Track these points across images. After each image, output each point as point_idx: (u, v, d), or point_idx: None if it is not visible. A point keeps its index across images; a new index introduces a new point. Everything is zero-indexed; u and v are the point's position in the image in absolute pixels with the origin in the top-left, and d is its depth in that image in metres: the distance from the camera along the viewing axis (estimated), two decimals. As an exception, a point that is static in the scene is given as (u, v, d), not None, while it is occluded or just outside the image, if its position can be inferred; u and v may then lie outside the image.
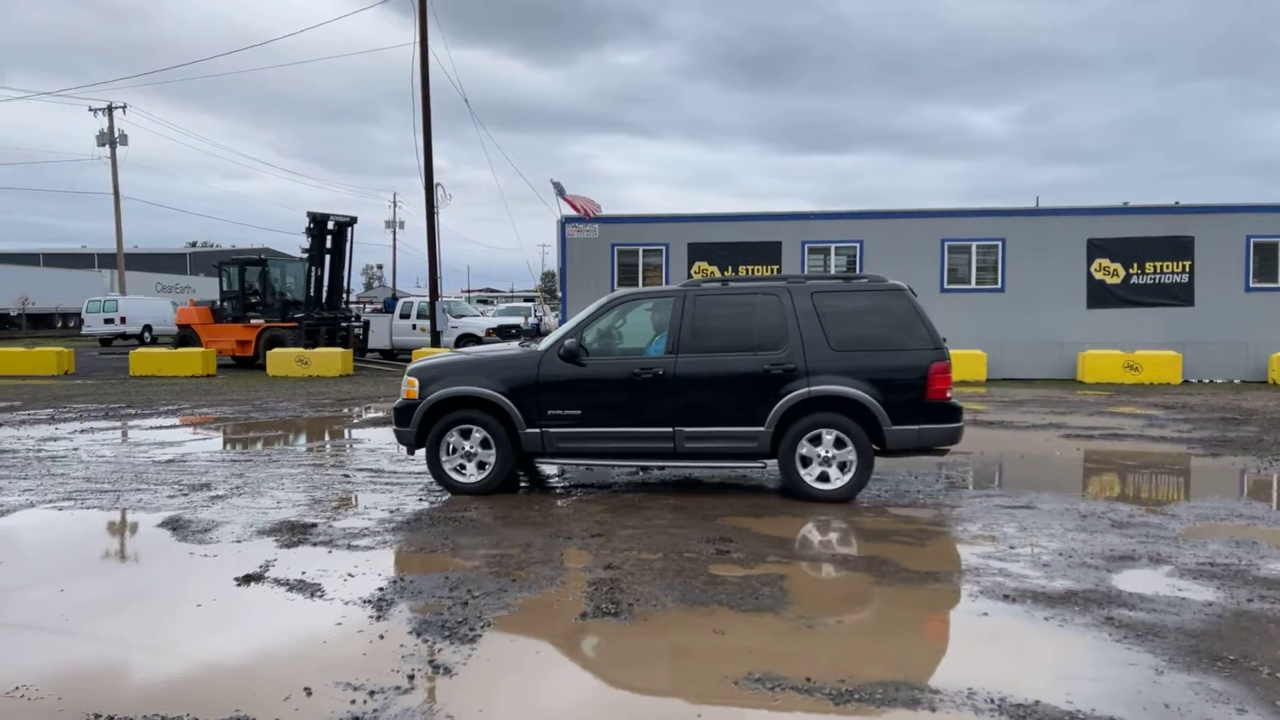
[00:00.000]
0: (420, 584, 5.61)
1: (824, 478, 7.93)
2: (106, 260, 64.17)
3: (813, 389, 7.83)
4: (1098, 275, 20.13)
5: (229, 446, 11.83)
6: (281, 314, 26.43)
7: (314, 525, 7.16)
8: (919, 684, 4.08)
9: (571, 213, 21.38)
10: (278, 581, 5.71)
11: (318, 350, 23.73)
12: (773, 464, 8.07)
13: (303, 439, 12.48)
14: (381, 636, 4.73)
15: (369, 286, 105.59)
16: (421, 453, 8.61)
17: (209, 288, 50.95)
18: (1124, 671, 4.27)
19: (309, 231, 26.04)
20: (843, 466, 7.91)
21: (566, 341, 8.21)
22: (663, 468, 8.79)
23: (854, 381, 7.82)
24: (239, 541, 6.73)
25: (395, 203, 79.58)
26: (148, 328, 26.09)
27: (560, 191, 21.05)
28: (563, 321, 22.78)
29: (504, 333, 26.76)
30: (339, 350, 23.73)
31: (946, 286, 20.55)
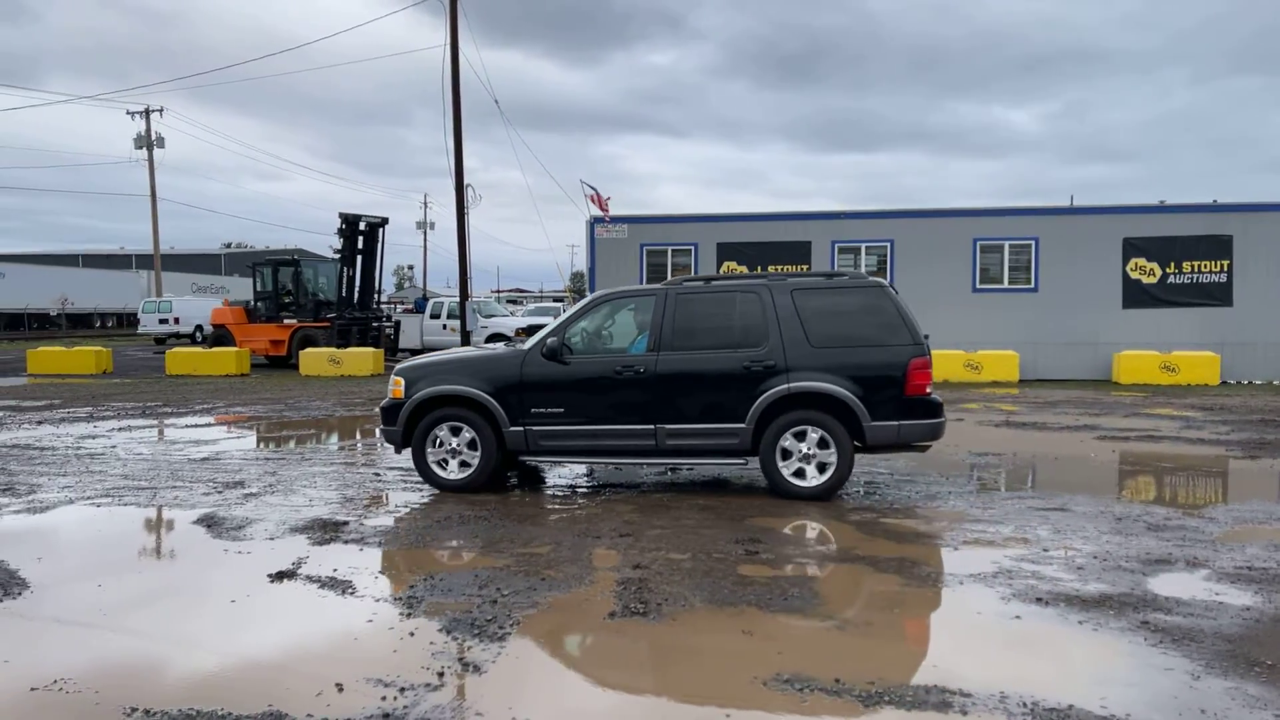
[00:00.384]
0: (450, 582, 5.65)
1: (804, 474, 7.96)
2: (144, 261, 65.18)
3: (792, 386, 7.86)
4: (1133, 275, 19.84)
5: (262, 445, 11.97)
6: (314, 314, 26.70)
7: (345, 523, 7.23)
8: (950, 687, 4.04)
9: (598, 211, 21.41)
10: (310, 578, 5.77)
11: (349, 350, 23.96)
12: (755, 461, 8.10)
13: (334, 438, 12.60)
14: (412, 634, 4.77)
15: (400, 287, 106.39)
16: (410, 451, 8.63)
17: (243, 288, 51.60)
18: (1160, 676, 4.20)
19: (341, 232, 26.29)
20: (823, 464, 7.93)
21: (549, 340, 8.30)
22: (643, 464, 8.84)
23: (833, 378, 7.84)
24: (272, 539, 6.81)
25: (426, 203, 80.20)
26: (199, 327, 26.77)
27: (592, 193, 21.07)
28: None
29: (533, 333, 26.89)
30: (370, 350, 23.94)
31: (979, 286, 20.36)
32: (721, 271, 21.14)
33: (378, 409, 9.28)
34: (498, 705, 3.91)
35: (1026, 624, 4.90)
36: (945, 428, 8.13)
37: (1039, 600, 5.24)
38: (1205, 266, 19.60)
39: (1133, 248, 19.81)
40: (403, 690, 4.06)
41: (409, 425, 8.46)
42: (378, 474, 9.47)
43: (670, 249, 21.52)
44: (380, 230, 27.16)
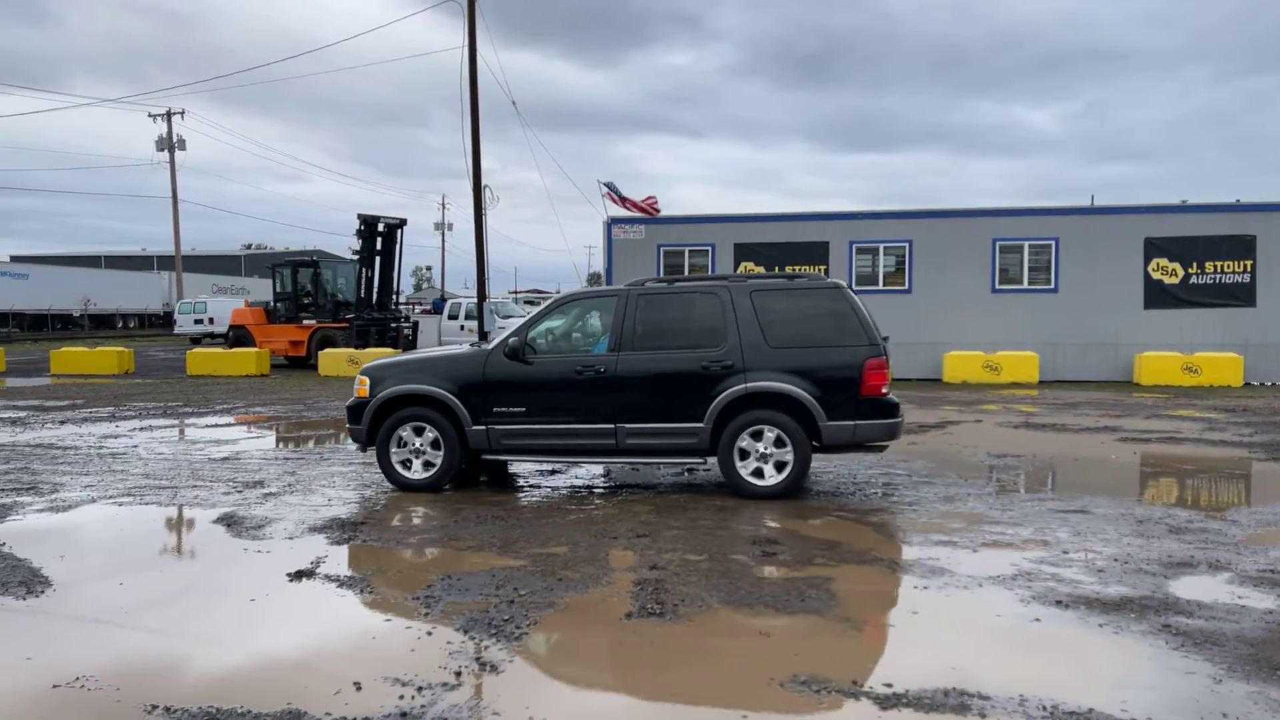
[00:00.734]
0: (467, 582, 5.66)
1: (761, 473, 8.01)
2: (165, 262, 65.77)
3: (749, 386, 7.91)
4: (1155, 275, 19.67)
5: (281, 445, 12.05)
6: (333, 315, 26.85)
7: (363, 523, 7.27)
8: (968, 689, 4.02)
9: (623, 212, 21.39)
10: (328, 577, 5.80)
11: (368, 350, 24.07)
12: (715, 461, 8.15)
13: (353, 438, 12.65)
14: (429, 633, 4.79)
15: (418, 288, 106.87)
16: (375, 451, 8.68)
17: (263, 289, 51.98)
18: (1181, 680, 4.16)
19: (359, 233, 26.43)
20: (780, 463, 7.97)
21: (511, 340, 8.39)
22: (603, 463, 8.90)
23: (790, 378, 7.89)
24: (291, 538, 6.85)
25: (444, 205, 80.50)
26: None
27: (613, 191, 21.01)
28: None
29: None
30: (389, 350, 24.05)
31: (998, 287, 20.24)
32: (738, 273, 21.12)
33: (344, 408, 9.30)
34: (515, 705, 3.92)
35: (1046, 626, 4.86)
36: (902, 428, 8.20)
37: (1059, 603, 5.20)
38: (1228, 267, 19.40)
39: (1154, 248, 19.64)
40: (420, 689, 4.07)
41: (373, 424, 8.54)
42: (396, 474, 9.50)
43: (687, 249, 21.51)
44: (398, 231, 27.28)
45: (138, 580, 5.93)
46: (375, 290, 27.21)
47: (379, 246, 26.94)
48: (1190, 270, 19.53)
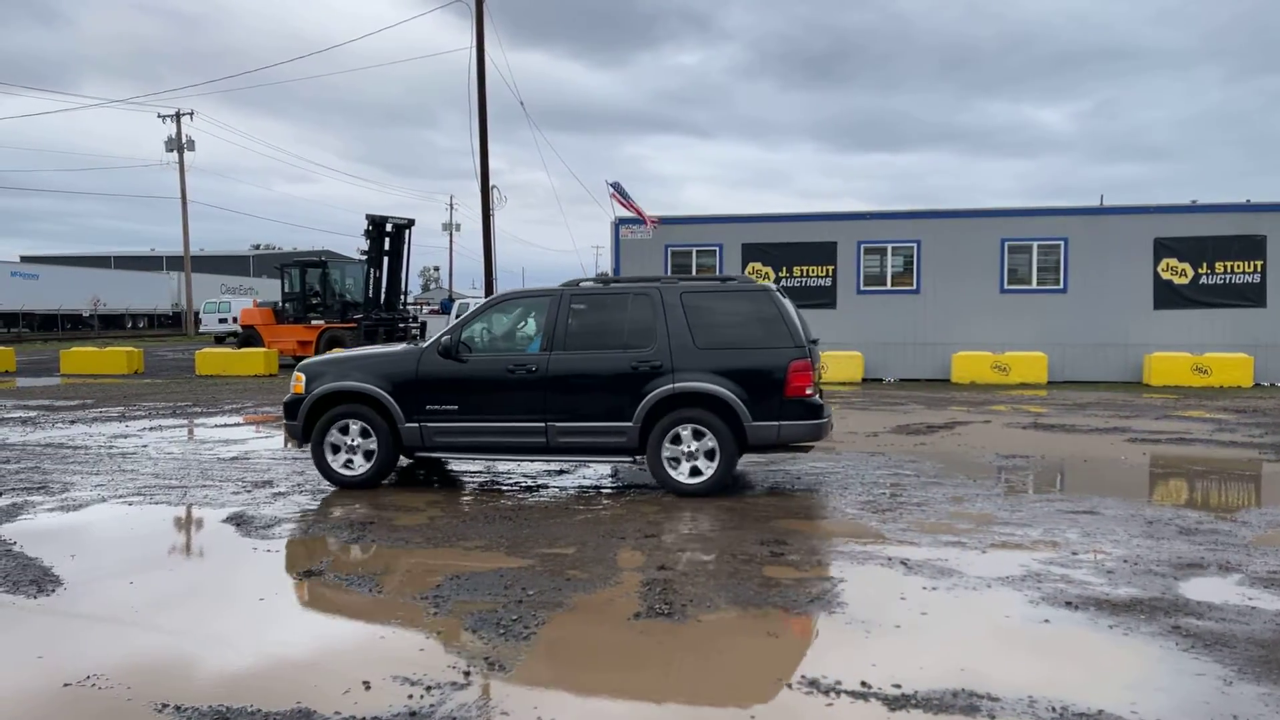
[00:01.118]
0: (475, 581, 5.67)
1: (689, 472, 8.13)
2: (174, 263, 66.00)
3: (677, 386, 8.03)
4: (1165, 275, 19.60)
5: (290, 444, 12.08)
6: (341, 315, 26.92)
7: (371, 522, 7.29)
8: (977, 690, 4.01)
9: (626, 214, 21.37)
10: (337, 576, 5.82)
11: (376, 351, 24.07)
12: (645, 459, 8.26)
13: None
14: (438, 632, 4.80)
15: (426, 288, 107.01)
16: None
17: (271, 289, 52.14)
18: (1191, 682, 4.15)
19: (368, 234, 26.49)
20: (706, 463, 8.07)
21: (443, 339, 8.49)
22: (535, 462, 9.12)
23: (716, 378, 8.00)
24: (300, 537, 6.87)
25: (452, 205, 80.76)
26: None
27: (619, 193, 20.94)
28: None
29: None
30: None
31: (1007, 287, 20.19)
32: (746, 272, 21.11)
33: (281, 404, 9.40)
34: (523, 704, 3.93)
35: (1055, 628, 4.85)
36: (826, 429, 8.31)
37: (1068, 604, 5.19)
38: (1238, 267, 19.32)
39: (1164, 248, 19.57)
40: (429, 689, 4.08)
41: (309, 421, 8.60)
42: (402, 475, 9.52)
43: (695, 250, 21.51)
44: (406, 232, 27.33)
45: (148, 579, 5.95)
46: (383, 290, 27.26)
47: (387, 247, 26.99)
48: (1200, 270, 19.45)
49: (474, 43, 26.18)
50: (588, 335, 8.37)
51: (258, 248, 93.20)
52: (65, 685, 4.16)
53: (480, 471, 9.56)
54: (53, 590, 5.59)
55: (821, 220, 21.26)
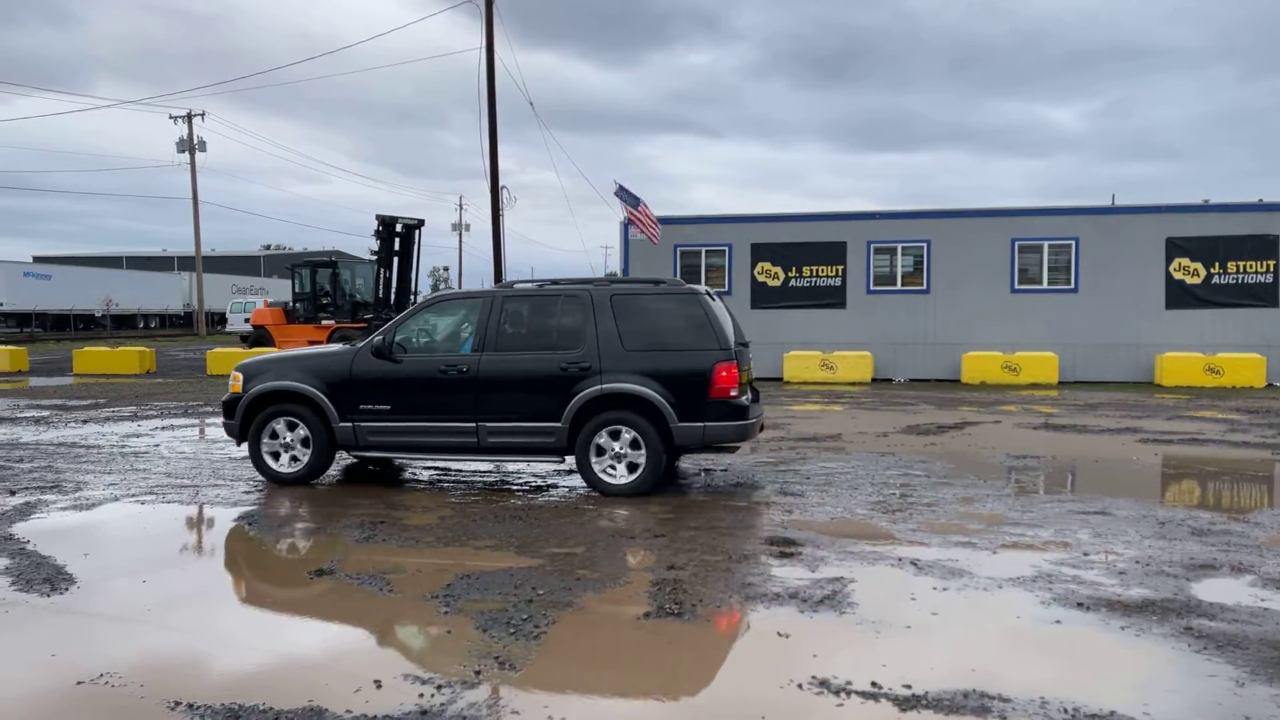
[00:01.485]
0: (485, 581, 5.68)
1: (616, 472, 8.20)
2: (185, 263, 66.31)
3: (604, 387, 8.12)
4: (1177, 275, 19.51)
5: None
6: (351, 315, 26.99)
7: (383, 521, 7.31)
8: (989, 691, 4.00)
9: (637, 227, 21.29)
10: (349, 575, 5.84)
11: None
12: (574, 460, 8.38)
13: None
14: (449, 631, 4.81)
15: (435, 288, 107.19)
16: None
17: (282, 289, 52.34)
18: (1203, 683, 4.13)
19: (378, 234, 26.55)
20: (634, 463, 8.15)
21: (376, 339, 8.59)
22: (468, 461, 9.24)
23: (643, 380, 8.09)
24: (311, 536, 6.89)
25: (461, 205, 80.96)
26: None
27: (625, 198, 20.87)
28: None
29: None
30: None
31: (1017, 287, 20.12)
32: (755, 273, 21.09)
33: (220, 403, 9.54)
34: (533, 703, 3.94)
35: (1067, 629, 4.84)
36: (753, 430, 8.38)
37: (1079, 605, 5.17)
38: (1251, 267, 19.22)
39: (1176, 248, 19.47)
40: (440, 687, 4.09)
41: (245, 419, 8.72)
42: (414, 474, 9.55)
43: (704, 250, 21.50)
44: (416, 232, 27.39)
45: (160, 578, 5.98)
46: (393, 290, 27.31)
47: (397, 247, 27.05)
48: (1212, 270, 19.36)
49: (483, 43, 26.24)
50: (519, 337, 8.52)
51: (268, 248, 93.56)
52: (79, 683, 4.19)
53: (489, 471, 9.58)
54: (66, 589, 5.62)
55: (831, 220, 21.23)
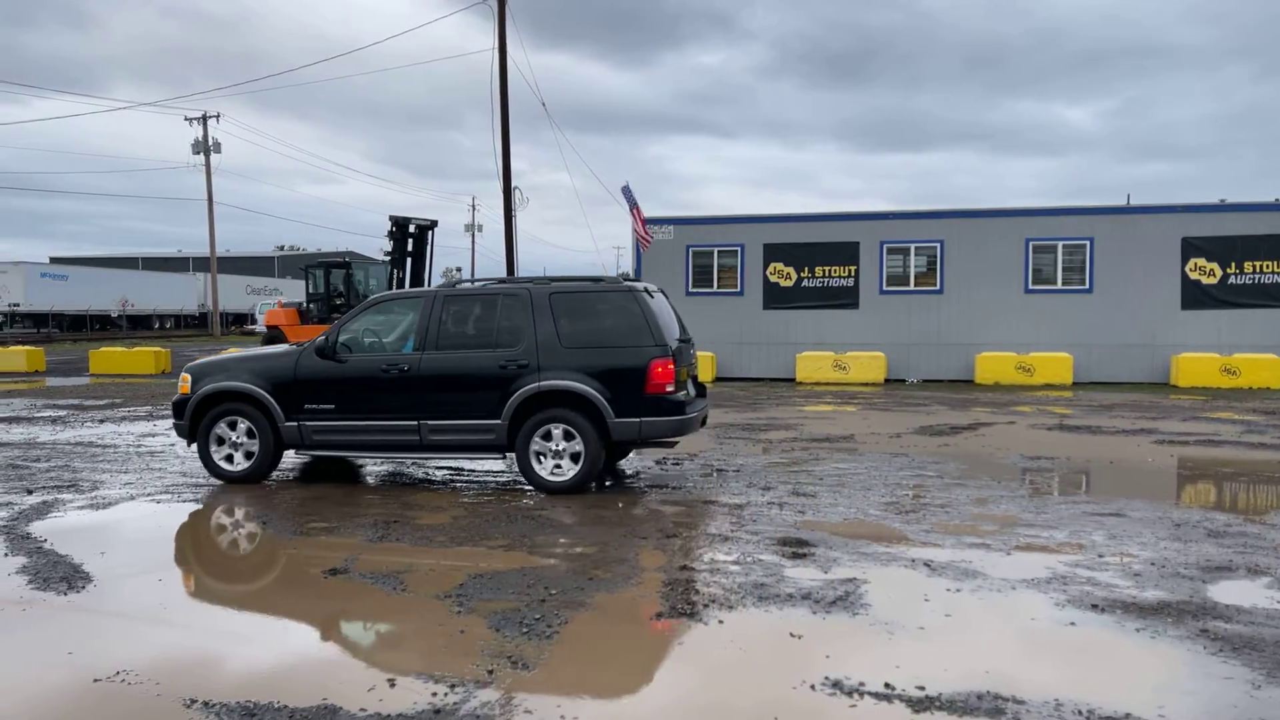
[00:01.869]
0: (498, 580, 5.70)
1: (555, 469, 8.29)
2: (200, 264, 66.71)
3: (542, 384, 8.21)
4: (1193, 275, 19.37)
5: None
6: (364, 315, 27.04)
7: (396, 521, 7.33)
8: (1002, 693, 3.99)
9: (647, 214, 21.32)
10: (362, 575, 5.86)
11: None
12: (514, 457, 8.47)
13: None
14: (462, 631, 4.82)
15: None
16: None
17: (295, 290, 52.55)
18: (1219, 685, 4.11)
19: (391, 235, 26.63)
20: (574, 458, 8.21)
21: (319, 339, 8.74)
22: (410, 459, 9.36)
23: (580, 376, 8.18)
24: (325, 536, 6.92)
25: (474, 206, 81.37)
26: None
27: (630, 201, 20.87)
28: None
29: None
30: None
31: (1031, 287, 20.02)
32: (768, 273, 21.06)
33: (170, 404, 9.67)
34: (546, 703, 3.95)
35: (1081, 630, 4.81)
36: (690, 425, 8.47)
37: (1094, 607, 5.15)
38: (1267, 267, 19.06)
39: (1192, 248, 19.34)
40: (453, 686, 4.11)
41: (194, 419, 8.83)
42: (426, 474, 9.58)
43: (716, 250, 21.48)
44: (429, 233, 27.45)
45: (175, 576, 6.02)
46: (406, 291, 27.38)
47: (410, 248, 27.11)
48: (1229, 270, 19.21)
49: (496, 44, 26.29)
50: (460, 336, 8.62)
51: (282, 249, 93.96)
52: (95, 681, 4.22)
53: (501, 471, 9.60)
54: (83, 587, 5.67)
55: (844, 220, 21.17)
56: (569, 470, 8.25)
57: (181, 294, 60.45)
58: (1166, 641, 4.64)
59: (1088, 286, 19.80)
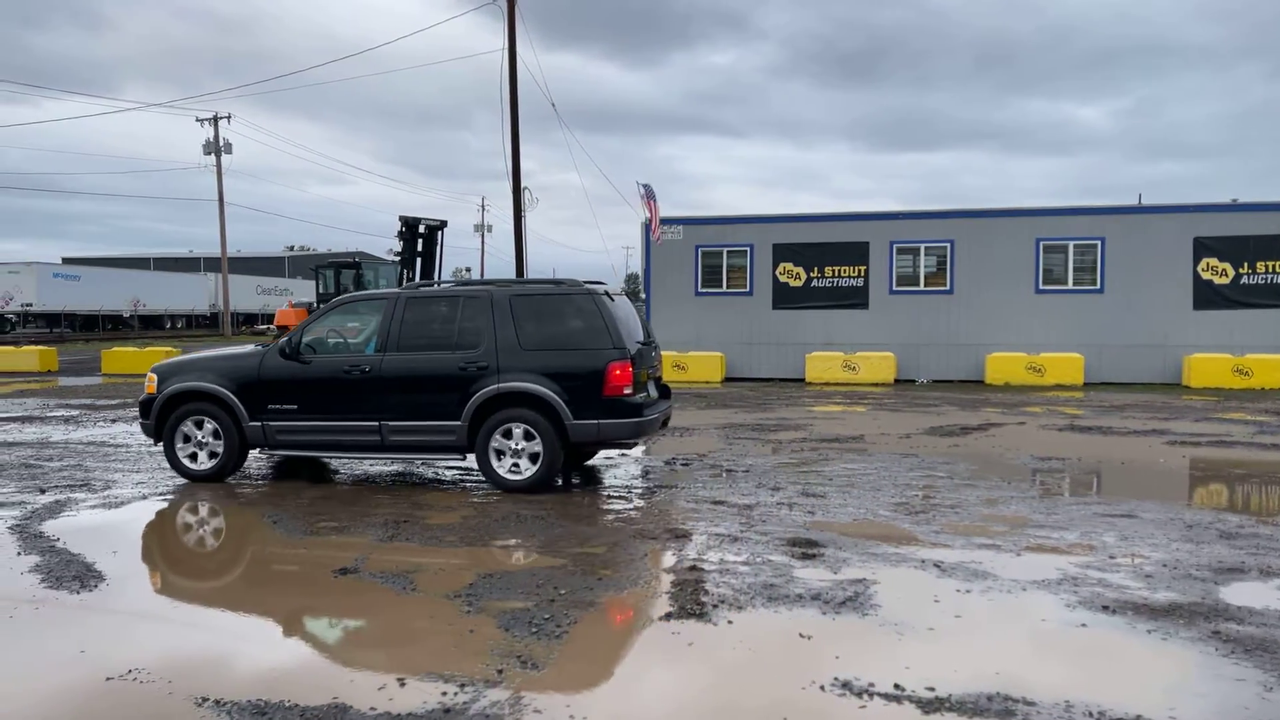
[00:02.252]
0: (508, 580, 5.71)
1: (515, 469, 8.37)
2: (211, 264, 66.97)
3: (501, 386, 8.29)
4: (1205, 275, 19.27)
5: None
6: (374, 315, 27.14)
7: (406, 521, 7.35)
8: (1013, 694, 3.98)
9: (661, 213, 21.33)
10: (373, 574, 5.88)
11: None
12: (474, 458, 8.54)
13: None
14: (471, 631, 4.84)
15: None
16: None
17: (306, 290, 52.78)
18: (1231, 687, 4.09)
19: (401, 235, 26.72)
20: (533, 458, 8.31)
21: (282, 340, 8.83)
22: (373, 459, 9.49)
23: (539, 378, 8.27)
24: (337, 535, 6.95)
25: (483, 206, 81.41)
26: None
27: (648, 195, 20.90)
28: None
29: None
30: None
31: (1042, 287, 19.95)
32: (777, 273, 21.04)
33: (137, 403, 9.76)
34: (555, 703, 3.95)
35: (1092, 632, 4.80)
36: (649, 428, 8.52)
37: (1105, 608, 5.13)
38: (1281, 266, 18.94)
39: (1204, 247, 19.24)
40: (463, 686, 4.12)
41: (160, 419, 8.93)
42: (437, 474, 9.60)
43: (726, 250, 21.46)
44: (439, 233, 27.53)
45: (188, 575, 6.05)
46: (416, 291, 27.45)
47: (420, 248, 27.20)
48: (1241, 270, 19.11)
49: (505, 44, 26.32)
50: (421, 337, 8.66)
51: (292, 249, 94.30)
52: (108, 679, 4.25)
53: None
54: (95, 586, 5.70)
55: (853, 220, 21.13)
56: (528, 470, 8.33)
57: (193, 294, 60.73)
58: (1178, 643, 4.62)
59: (1099, 287, 19.71)
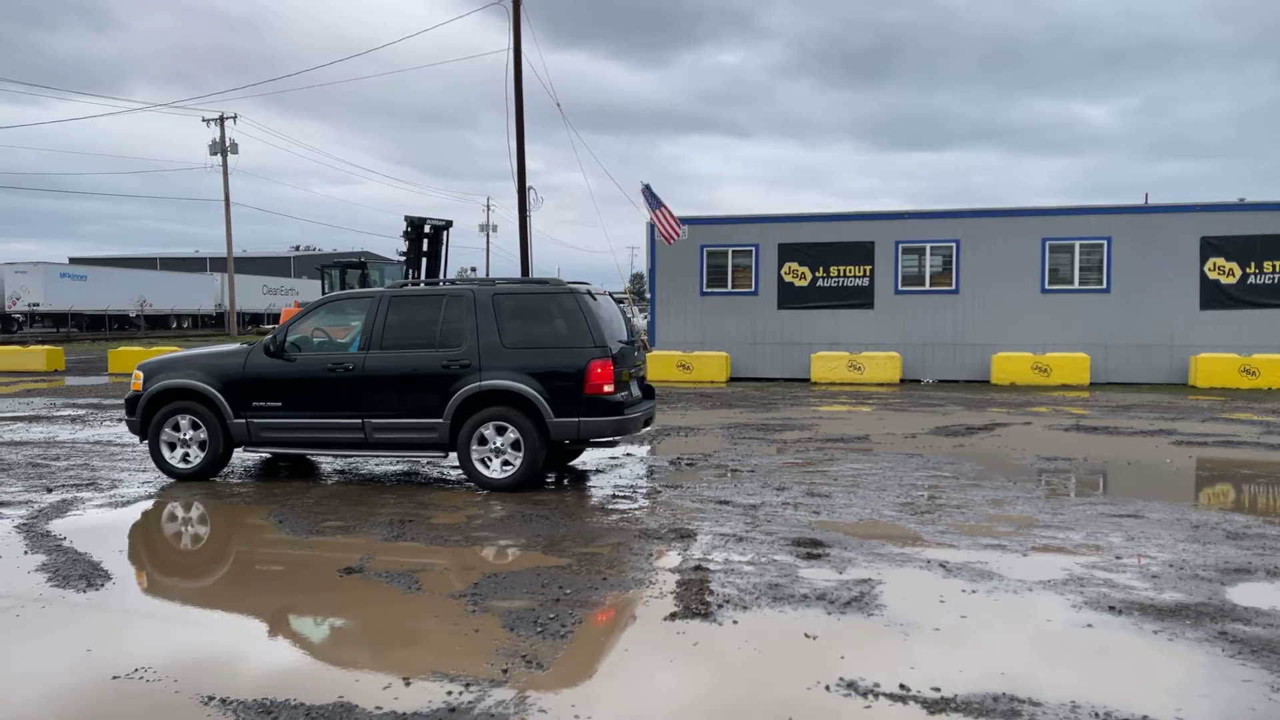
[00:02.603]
0: (514, 580, 5.71)
1: (496, 467, 8.42)
2: (217, 264, 67.12)
3: (483, 384, 8.34)
4: (1212, 275, 19.21)
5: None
6: (380, 315, 27.14)
7: (411, 520, 7.36)
8: (1019, 695, 3.97)
9: (667, 229, 21.27)
10: (378, 574, 5.88)
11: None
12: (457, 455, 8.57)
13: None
14: (476, 630, 4.84)
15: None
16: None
17: (311, 289, 52.85)
18: (1237, 688, 4.08)
19: (406, 235, 26.72)
20: (514, 457, 8.37)
21: (267, 338, 8.86)
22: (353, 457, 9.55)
23: (521, 376, 8.32)
24: (341, 534, 6.96)
25: (489, 206, 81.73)
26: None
27: (652, 201, 20.80)
28: (651, 323, 22.85)
29: None
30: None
31: (1048, 287, 19.91)
32: (782, 273, 21.02)
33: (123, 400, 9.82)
34: (560, 702, 3.95)
35: (1098, 633, 4.78)
36: (630, 426, 8.54)
37: (1111, 609, 5.11)
38: (1288, 266, 18.88)
39: (1211, 247, 19.18)
40: (468, 685, 4.12)
41: (145, 416, 8.98)
42: (442, 473, 9.62)
43: (731, 250, 21.45)
44: (444, 233, 27.52)
45: (193, 574, 6.07)
46: (422, 291, 27.45)
47: (425, 248, 27.18)
48: (1248, 270, 19.05)
49: (510, 44, 26.33)
50: (405, 336, 8.70)
51: (298, 249, 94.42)
52: (114, 678, 4.26)
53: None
54: (101, 585, 5.72)
55: (859, 220, 21.11)
56: (509, 468, 8.37)
57: (199, 294, 60.87)
58: (1184, 644, 4.61)
59: (1105, 286, 19.67)
